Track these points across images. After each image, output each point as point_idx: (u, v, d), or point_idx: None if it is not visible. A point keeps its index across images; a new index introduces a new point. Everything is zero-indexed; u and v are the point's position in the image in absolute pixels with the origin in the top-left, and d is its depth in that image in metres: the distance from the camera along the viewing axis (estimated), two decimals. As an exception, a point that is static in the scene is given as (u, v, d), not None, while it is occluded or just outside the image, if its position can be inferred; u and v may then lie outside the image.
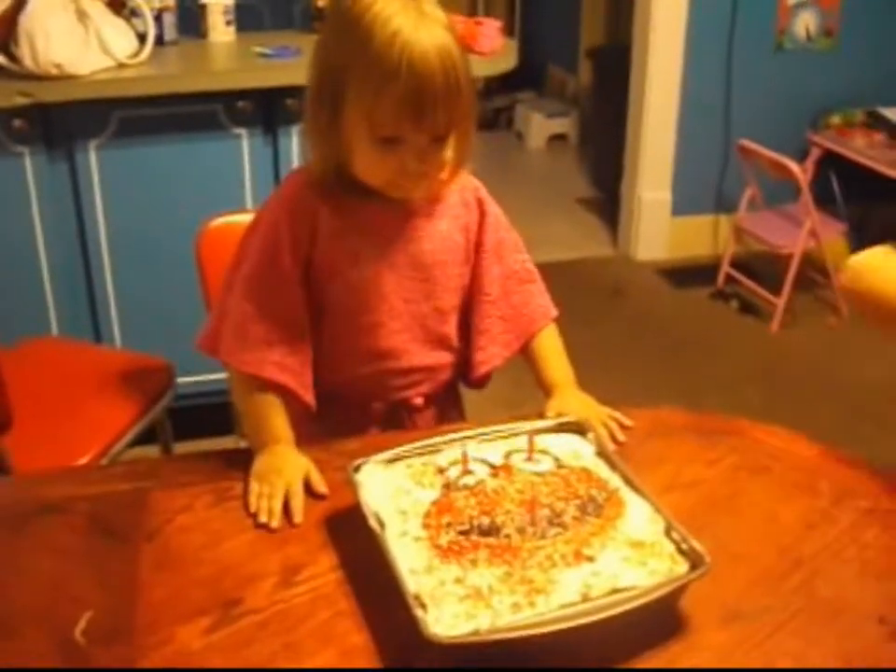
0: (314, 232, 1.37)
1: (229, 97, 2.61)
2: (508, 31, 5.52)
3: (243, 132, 2.67)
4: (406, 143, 1.28)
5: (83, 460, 1.95)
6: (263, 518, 1.21)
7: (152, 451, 2.31)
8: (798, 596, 1.12)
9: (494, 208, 1.50)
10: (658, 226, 4.33)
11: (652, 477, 1.25)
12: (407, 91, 1.23)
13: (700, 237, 4.36)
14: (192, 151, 2.66)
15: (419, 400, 1.48)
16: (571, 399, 1.43)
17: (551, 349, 1.51)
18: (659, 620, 1.06)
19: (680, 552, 1.08)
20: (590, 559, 1.06)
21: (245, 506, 1.24)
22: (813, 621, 1.09)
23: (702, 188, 4.31)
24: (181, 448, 2.36)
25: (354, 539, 1.14)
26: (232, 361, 1.37)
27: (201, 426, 2.55)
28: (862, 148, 3.95)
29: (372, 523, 1.10)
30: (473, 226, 1.47)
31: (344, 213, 1.37)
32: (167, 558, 1.15)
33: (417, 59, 1.22)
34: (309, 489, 1.26)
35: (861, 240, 4.12)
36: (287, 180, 1.43)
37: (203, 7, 2.92)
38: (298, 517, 1.21)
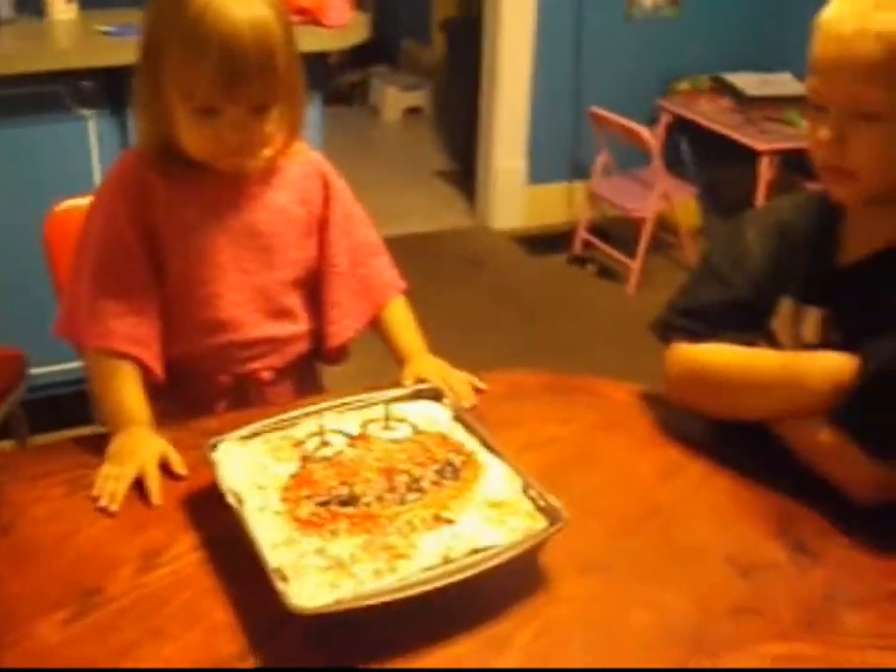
0: (149, 204, 1.37)
1: (72, 77, 2.53)
2: (360, 4, 5.48)
3: (89, 113, 2.60)
4: (223, 114, 1.29)
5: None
6: (103, 502, 1.19)
7: (7, 446, 2.24)
8: (654, 544, 1.17)
9: (339, 182, 1.52)
10: (514, 194, 4.38)
11: (509, 438, 1.27)
12: (218, 63, 1.24)
13: (556, 204, 4.43)
14: (36, 134, 2.57)
15: (267, 374, 1.49)
16: (426, 365, 1.45)
17: (401, 319, 1.54)
18: (522, 575, 1.08)
19: (538, 508, 1.10)
20: (449, 522, 1.07)
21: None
22: (668, 566, 1.14)
23: (556, 155, 4.37)
24: (38, 442, 2.29)
25: (215, 518, 1.13)
26: (85, 338, 1.36)
27: (58, 417, 2.48)
28: (709, 113, 4.06)
29: (230, 499, 1.10)
30: (316, 199, 1.48)
31: (179, 184, 1.38)
32: (23, 552, 1.13)
33: (227, 31, 1.23)
34: (168, 470, 1.24)
35: (711, 201, 4.27)
36: (120, 158, 1.43)
37: (42, -18, 2.81)
38: (156, 499, 1.20)
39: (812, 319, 1.30)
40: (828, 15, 1.19)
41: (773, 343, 1.34)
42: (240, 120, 1.29)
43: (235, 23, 1.23)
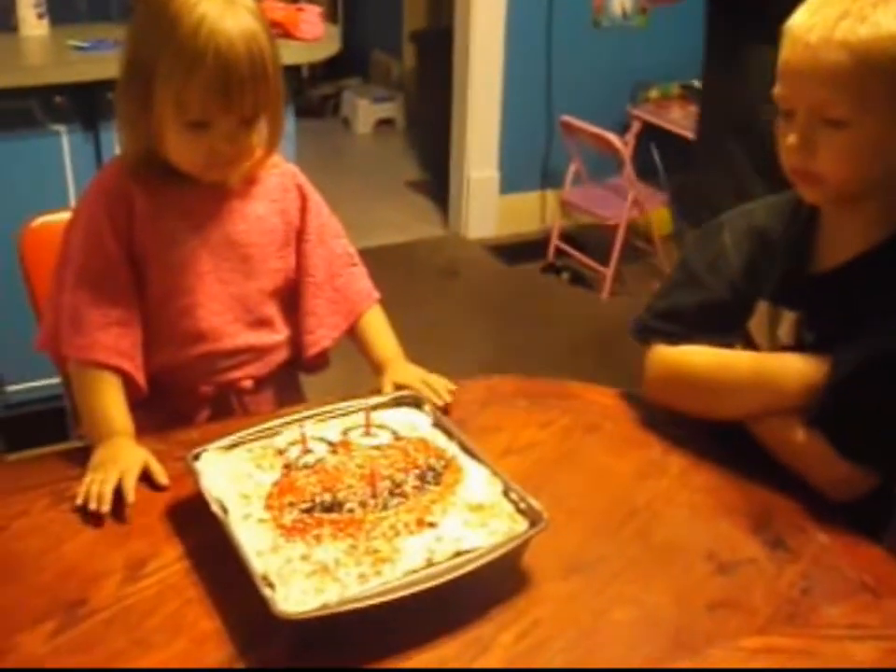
0: (130, 215, 1.38)
1: (44, 93, 2.53)
2: (331, 17, 5.50)
3: (62, 128, 2.59)
4: (215, 126, 1.31)
5: None
6: (93, 504, 1.18)
7: (-16, 463, 2.23)
8: (634, 543, 1.18)
9: (314, 195, 1.54)
10: (487, 204, 4.39)
11: (489, 443, 1.29)
12: (214, 76, 1.26)
13: (528, 213, 4.45)
14: (8, 150, 2.56)
15: (248, 383, 1.49)
16: (403, 371, 1.46)
17: (378, 328, 1.55)
18: (504, 577, 1.10)
19: (519, 511, 1.12)
20: (432, 525, 1.09)
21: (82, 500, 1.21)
22: (648, 565, 1.15)
23: (528, 164, 4.39)
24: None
25: (199, 528, 1.14)
26: (68, 350, 1.36)
27: (35, 435, 2.47)
28: (679, 120, 4.10)
29: (215, 508, 1.10)
30: (294, 211, 1.50)
31: (159, 196, 1.39)
32: (5, 567, 1.13)
33: (223, 45, 1.26)
34: (151, 481, 1.24)
35: (682, 207, 4.30)
36: (103, 170, 1.44)
37: (13, -2, 2.80)
38: (130, 496, 1.19)
39: (787, 322, 1.32)
40: (795, 23, 1.20)
41: (750, 344, 1.36)
42: (232, 132, 1.32)
43: (230, 37, 1.26)
